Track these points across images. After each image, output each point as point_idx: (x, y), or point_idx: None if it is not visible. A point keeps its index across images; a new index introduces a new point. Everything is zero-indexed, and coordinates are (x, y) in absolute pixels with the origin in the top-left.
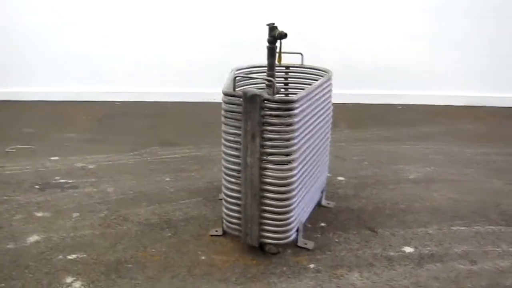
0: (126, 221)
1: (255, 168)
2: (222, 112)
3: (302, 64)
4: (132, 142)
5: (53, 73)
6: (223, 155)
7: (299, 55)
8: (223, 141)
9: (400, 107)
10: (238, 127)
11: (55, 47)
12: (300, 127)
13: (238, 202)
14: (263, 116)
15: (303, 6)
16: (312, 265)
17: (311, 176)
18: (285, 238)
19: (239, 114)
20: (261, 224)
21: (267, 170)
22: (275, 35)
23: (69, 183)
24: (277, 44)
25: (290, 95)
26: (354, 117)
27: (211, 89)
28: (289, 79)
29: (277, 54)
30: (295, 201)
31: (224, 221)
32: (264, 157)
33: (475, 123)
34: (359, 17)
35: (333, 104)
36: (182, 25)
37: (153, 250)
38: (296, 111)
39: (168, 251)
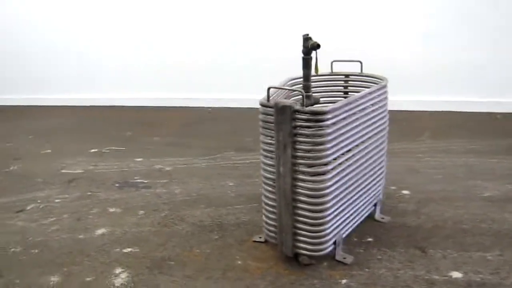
0: (182, 221)
1: (287, 178)
2: (260, 122)
3: (361, 73)
4: (211, 146)
5: (147, 81)
6: (261, 164)
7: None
8: (261, 150)
9: (499, 116)
10: (272, 137)
11: (154, 57)
12: (335, 138)
13: (275, 210)
14: (294, 127)
15: (362, 13)
16: (344, 281)
17: (354, 188)
18: (320, 251)
19: (273, 124)
20: (295, 234)
21: (299, 181)
22: (308, 46)
23: (144, 183)
24: (313, 55)
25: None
26: (441, 127)
27: None
28: (348, 87)
29: (313, 65)
30: (330, 214)
31: (264, 229)
32: (296, 168)
33: None
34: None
35: (419, 112)
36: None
37: (198, 250)
38: (328, 122)
39: (211, 253)
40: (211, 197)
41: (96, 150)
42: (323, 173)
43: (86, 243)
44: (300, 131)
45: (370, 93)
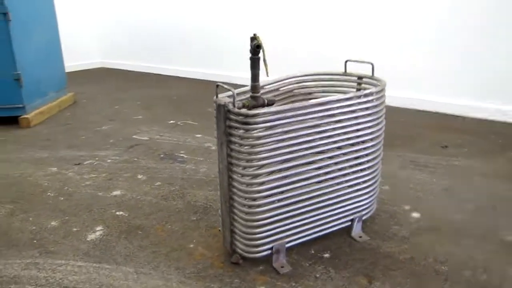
0: (181, 198)
1: (224, 175)
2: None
3: (372, 75)
4: None
5: None
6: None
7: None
8: None
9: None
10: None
11: None
12: (271, 143)
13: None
14: (229, 126)
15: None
16: None
17: (306, 198)
18: (251, 253)
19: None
20: (232, 231)
21: (235, 181)
22: (254, 47)
23: (183, 158)
24: (260, 55)
25: None
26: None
27: None
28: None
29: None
30: (265, 218)
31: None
32: (231, 167)
33: None
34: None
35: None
36: None
37: (169, 227)
38: (258, 126)
39: (176, 232)
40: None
41: (173, 121)
42: (257, 176)
43: (98, 200)
44: (233, 132)
45: (327, 102)
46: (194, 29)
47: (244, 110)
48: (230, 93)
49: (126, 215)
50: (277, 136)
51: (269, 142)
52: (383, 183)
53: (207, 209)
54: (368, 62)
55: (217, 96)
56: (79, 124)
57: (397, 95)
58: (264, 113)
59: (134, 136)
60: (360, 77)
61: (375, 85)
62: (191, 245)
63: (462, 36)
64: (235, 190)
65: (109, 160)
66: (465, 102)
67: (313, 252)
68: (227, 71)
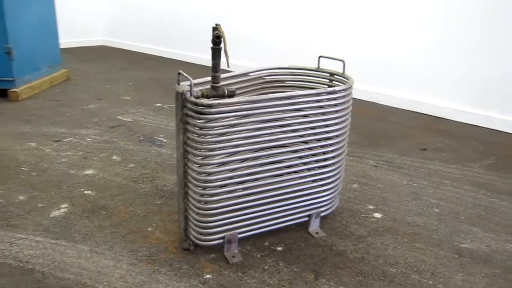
0: (150, 182)
1: (180, 162)
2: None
3: (340, 72)
4: None
5: None
6: None
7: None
8: None
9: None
10: None
11: None
12: (224, 134)
13: None
14: (185, 114)
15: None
16: (208, 276)
17: (259, 191)
18: (204, 241)
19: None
20: (186, 218)
21: (189, 168)
22: (214, 36)
23: (162, 142)
24: (221, 45)
25: None
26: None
27: None
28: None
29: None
30: (216, 208)
31: None
32: (186, 154)
33: None
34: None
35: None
36: None
37: (132, 209)
38: (211, 116)
39: (138, 215)
40: None
41: (160, 105)
42: (208, 165)
43: (69, 178)
44: (189, 120)
45: (289, 97)
46: (198, 14)
47: (199, 100)
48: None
49: (93, 194)
50: (230, 127)
51: (220, 133)
52: (353, 181)
53: (173, 194)
54: (340, 60)
55: (178, 84)
56: (67, 101)
57: (393, 95)
58: (219, 104)
59: (118, 117)
60: (331, 74)
61: (343, 82)
62: (150, 229)
63: (456, 42)
64: (189, 177)
65: (88, 139)
66: (452, 106)
67: (267, 244)
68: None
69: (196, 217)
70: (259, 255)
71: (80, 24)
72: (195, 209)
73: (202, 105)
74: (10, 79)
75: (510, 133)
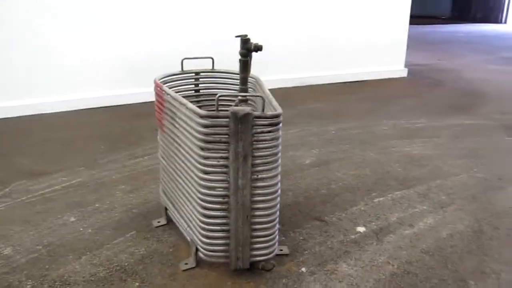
0: (67, 284)
1: (247, 190)
2: (200, 136)
3: (213, 69)
4: None
5: None
6: (201, 182)
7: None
8: (200, 166)
9: None
10: (224, 150)
11: None
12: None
13: (225, 228)
14: (254, 134)
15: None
16: (303, 269)
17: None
18: (273, 252)
19: (225, 136)
20: (252, 243)
21: (258, 189)
22: (251, 48)
23: None
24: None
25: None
26: None
27: None
28: (199, 85)
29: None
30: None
31: (204, 250)
32: (255, 176)
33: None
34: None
35: None
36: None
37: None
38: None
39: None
40: (67, 243)
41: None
42: (276, 176)
43: None
44: (260, 138)
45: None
46: None
47: (272, 112)
48: None
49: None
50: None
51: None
52: None
53: (123, 269)
54: (209, 57)
55: (217, 110)
56: None
57: None
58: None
59: None
60: (197, 73)
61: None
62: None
63: None
64: (259, 198)
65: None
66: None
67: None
68: None
69: (266, 233)
70: (282, 238)
71: None
72: (265, 225)
73: (278, 116)
74: None
75: None
